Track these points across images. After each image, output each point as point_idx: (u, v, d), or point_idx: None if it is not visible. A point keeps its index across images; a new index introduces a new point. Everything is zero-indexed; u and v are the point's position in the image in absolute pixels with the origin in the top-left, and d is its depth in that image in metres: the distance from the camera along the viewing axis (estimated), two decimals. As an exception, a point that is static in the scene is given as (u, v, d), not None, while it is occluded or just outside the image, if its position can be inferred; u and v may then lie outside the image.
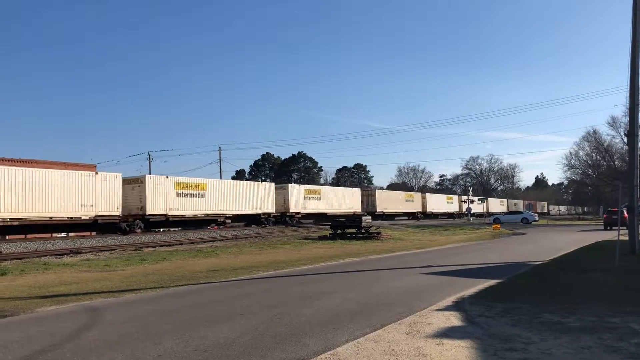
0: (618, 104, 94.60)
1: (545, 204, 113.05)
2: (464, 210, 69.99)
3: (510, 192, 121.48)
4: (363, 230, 29.40)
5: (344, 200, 47.10)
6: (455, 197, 73.42)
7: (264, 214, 37.87)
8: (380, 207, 52.08)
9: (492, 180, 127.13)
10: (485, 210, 76.27)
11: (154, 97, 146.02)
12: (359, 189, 53.83)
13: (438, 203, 65.95)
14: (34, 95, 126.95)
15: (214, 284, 11.76)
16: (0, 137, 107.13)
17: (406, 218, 56.72)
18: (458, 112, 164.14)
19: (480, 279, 11.34)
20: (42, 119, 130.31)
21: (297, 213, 41.50)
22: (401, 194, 59.94)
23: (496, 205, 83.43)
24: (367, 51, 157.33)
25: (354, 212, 46.14)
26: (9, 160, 33.45)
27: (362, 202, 49.91)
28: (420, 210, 60.44)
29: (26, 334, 6.79)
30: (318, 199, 43.91)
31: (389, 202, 54.12)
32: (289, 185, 42.49)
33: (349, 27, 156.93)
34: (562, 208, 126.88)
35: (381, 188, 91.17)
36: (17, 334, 6.84)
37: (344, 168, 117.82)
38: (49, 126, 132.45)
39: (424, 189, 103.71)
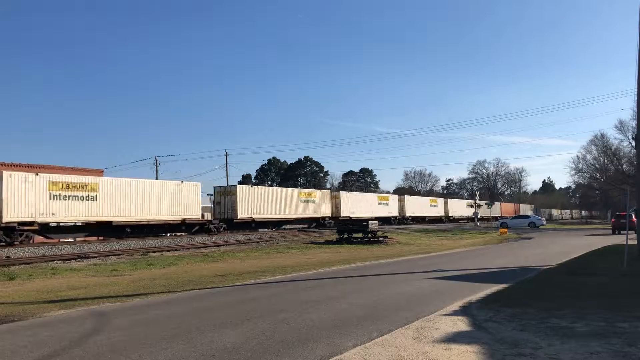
0: (625, 108, 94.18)
1: (530, 206, 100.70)
2: (407, 214, 57.61)
3: (518, 196, 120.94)
4: (370, 235, 29.36)
5: (161, 202, 30.35)
6: (394, 197, 58.42)
7: None
8: (248, 211, 36.06)
9: (499, 185, 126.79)
10: (443, 214, 66.28)
11: (158, 101, 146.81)
12: (199, 183, 33.89)
13: (359, 204, 49.71)
14: (35, 99, 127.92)
15: (221, 289, 11.78)
16: (1, 140, 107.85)
17: (306, 226, 42.27)
18: (464, 116, 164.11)
19: (487, 284, 11.30)
20: (44, 123, 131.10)
21: (22, 224, 23.97)
22: (293, 193, 42.49)
23: (461, 207, 72.80)
24: (372, 55, 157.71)
25: (184, 220, 31.58)
26: (16, 166, 33.70)
27: (218, 203, 35.92)
28: (328, 214, 44.93)
29: (35, 339, 6.83)
30: (90, 198, 26.64)
31: (265, 204, 37.89)
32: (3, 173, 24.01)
33: (354, 31, 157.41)
34: (555, 212, 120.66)
35: (388, 192, 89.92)
36: (26, 338, 6.88)
37: (350, 172, 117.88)
38: (50, 129, 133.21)
39: (430, 193, 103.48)
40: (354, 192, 57.35)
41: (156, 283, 12.87)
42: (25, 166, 34.03)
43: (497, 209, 77.16)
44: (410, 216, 57.92)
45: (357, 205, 49.37)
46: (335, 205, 46.90)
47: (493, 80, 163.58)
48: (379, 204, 53.88)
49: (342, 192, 50.10)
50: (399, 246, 27.20)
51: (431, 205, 64.79)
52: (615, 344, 5.83)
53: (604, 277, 12.06)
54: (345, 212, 46.97)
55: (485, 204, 67.84)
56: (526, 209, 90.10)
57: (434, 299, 9.50)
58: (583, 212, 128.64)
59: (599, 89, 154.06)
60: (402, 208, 56.98)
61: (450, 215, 67.01)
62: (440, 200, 68.75)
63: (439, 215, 64.91)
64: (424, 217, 61.51)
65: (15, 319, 8.32)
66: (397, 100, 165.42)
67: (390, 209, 55.08)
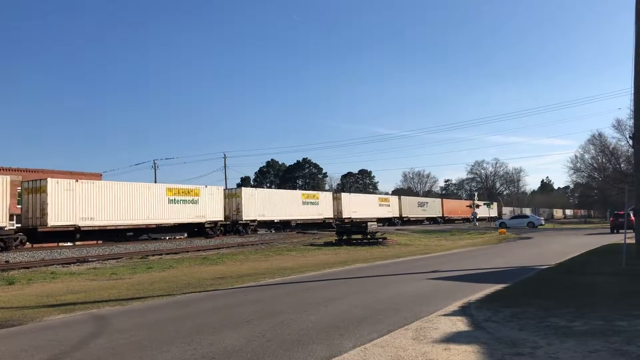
0: (623, 107, 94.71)
1: (494, 204, 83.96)
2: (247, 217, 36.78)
3: (516, 196, 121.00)
4: (369, 236, 29.36)
5: None
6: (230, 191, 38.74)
7: None
8: None
9: (498, 185, 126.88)
10: (332, 215, 45.43)
11: (155, 103, 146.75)
12: None
13: (166, 207, 31.61)
14: (32, 100, 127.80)
15: (221, 291, 11.79)
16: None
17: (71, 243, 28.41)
18: (462, 116, 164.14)
19: (486, 284, 11.32)
20: (42, 125, 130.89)
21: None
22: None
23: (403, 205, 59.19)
24: (369, 57, 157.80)
25: None
26: (15, 170, 33.69)
27: None
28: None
29: (35, 343, 6.83)
30: None
31: None
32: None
33: (350, 31, 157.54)
34: (554, 211, 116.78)
35: (386, 193, 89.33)
36: (26, 342, 6.88)
37: (349, 174, 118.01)
38: (46, 132, 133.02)
39: (429, 194, 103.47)
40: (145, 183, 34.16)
41: (156, 286, 12.87)
42: (24, 170, 34.04)
43: (438, 209, 67.51)
44: (248, 220, 37.76)
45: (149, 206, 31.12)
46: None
47: (490, 80, 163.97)
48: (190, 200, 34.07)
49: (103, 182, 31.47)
50: (398, 247, 27.22)
51: (305, 203, 43.61)
52: (614, 343, 5.85)
53: (602, 276, 12.09)
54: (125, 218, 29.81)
55: (421, 204, 63.28)
56: (484, 210, 77.54)
57: (433, 300, 9.51)
58: (582, 211, 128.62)
59: (596, 88, 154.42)
60: (237, 207, 37.09)
61: (345, 216, 46.99)
62: (325, 196, 47.35)
63: (320, 217, 44.63)
64: (289, 221, 41.90)
65: (15, 324, 8.31)
66: (395, 101, 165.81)
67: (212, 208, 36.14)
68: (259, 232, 37.71)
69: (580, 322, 6.98)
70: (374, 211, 52.03)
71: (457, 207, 73.79)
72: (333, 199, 46.82)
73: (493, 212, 78.34)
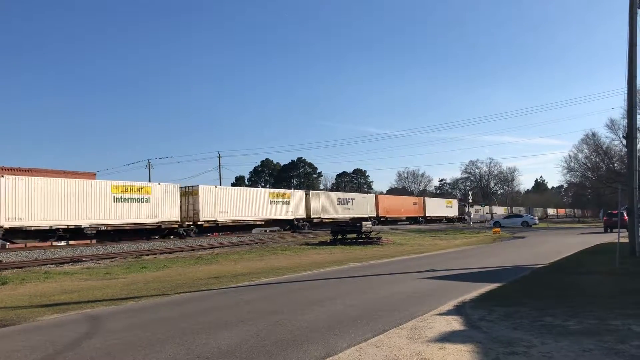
0: (616, 107, 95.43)
1: (453, 201, 76.54)
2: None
3: (510, 195, 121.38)
4: (363, 235, 29.36)
5: None
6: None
7: None
8: None
9: (492, 184, 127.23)
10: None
11: (150, 102, 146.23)
12: None
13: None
14: (25, 100, 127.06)
15: (215, 291, 11.76)
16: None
17: None
18: (457, 116, 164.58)
19: (481, 283, 11.34)
20: (35, 125, 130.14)
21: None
22: None
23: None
24: (365, 58, 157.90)
25: None
26: (8, 169, 33.49)
27: None
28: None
29: (28, 343, 6.79)
30: None
31: None
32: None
33: (348, 34, 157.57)
34: (548, 210, 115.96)
35: (381, 193, 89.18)
36: (19, 343, 6.84)
37: (344, 173, 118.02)
38: (40, 131, 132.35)
39: (423, 193, 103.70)
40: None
41: (150, 286, 12.83)
42: (17, 170, 33.86)
43: (370, 207, 55.25)
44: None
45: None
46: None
47: (484, 80, 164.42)
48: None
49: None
50: (392, 247, 27.24)
51: (121, 200, 30.73)
52: (607, 342, 5.87)
53: (596, 276, 12.16)
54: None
55: (344, 201, 52.43)
56: (441, 208, 69.19)
57: (428, 299, 9.53)
58: (575, 210, 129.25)
59: (590, 88, 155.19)
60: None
61: (206, 219, 35.12)
62: (165, 190, 33.22)
63: (154, 220, 32.13)
64: (83, 228, 28.94)
65: (7, 324, 8.26)
66: (390, 101, 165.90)
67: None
68: (16, 243, 25.95)
69: (574, 321, 7.01)
70: (259, 211, 38.84)
71: (398, 206, 59.38)
72: (184, 195, 33.46)
73: (452, 212, 69.23)
